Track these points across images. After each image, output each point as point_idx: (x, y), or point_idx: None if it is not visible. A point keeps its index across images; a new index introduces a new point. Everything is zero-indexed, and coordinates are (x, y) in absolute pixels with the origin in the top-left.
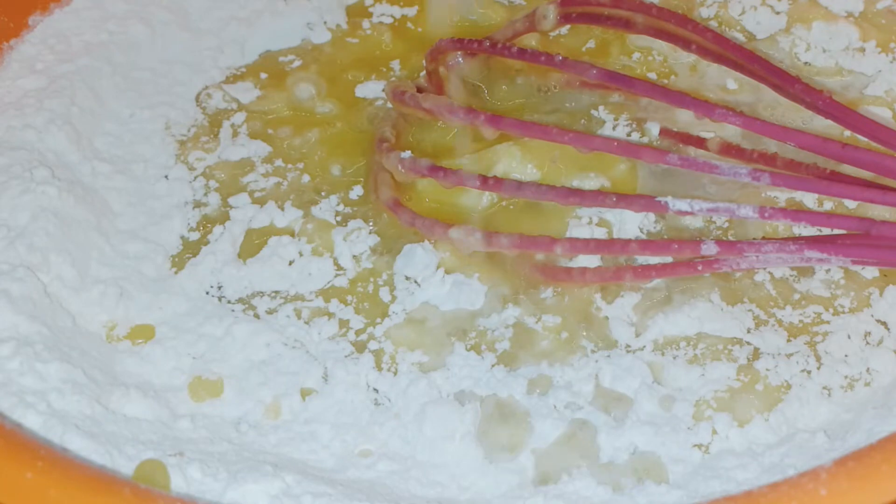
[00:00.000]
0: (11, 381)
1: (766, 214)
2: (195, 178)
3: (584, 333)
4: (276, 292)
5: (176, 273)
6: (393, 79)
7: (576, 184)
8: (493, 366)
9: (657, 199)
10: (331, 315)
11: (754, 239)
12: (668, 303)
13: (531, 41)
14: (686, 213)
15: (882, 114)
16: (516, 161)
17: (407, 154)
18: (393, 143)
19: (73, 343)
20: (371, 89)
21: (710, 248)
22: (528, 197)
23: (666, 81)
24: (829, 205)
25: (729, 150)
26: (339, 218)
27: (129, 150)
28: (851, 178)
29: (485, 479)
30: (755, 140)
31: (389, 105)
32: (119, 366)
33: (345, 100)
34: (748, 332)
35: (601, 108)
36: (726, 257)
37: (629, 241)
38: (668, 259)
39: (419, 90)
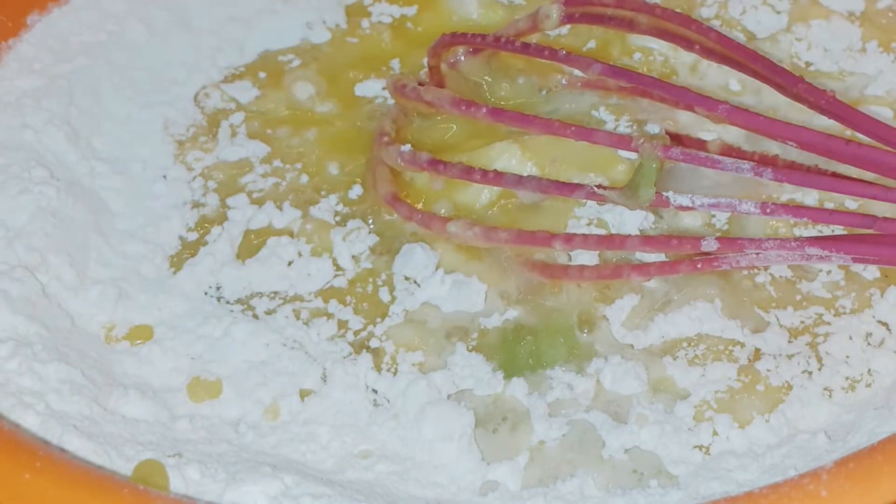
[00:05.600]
0: (10, 382)
1: (768, 210)
2: (193, 178)
3: (585, 334)
4: (275, 293)
5: (174, 273)
6: (394, 73)
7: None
8: (493, 366)
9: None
10: (330, 315)
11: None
12: (669, 303)
13: (531, 41)
14: (687, 207)
15: (883, 113)
16: (516, 159)
17: (407, 147)
18: (393, 136)
19: (71, 343)
20: (370, 88)
21: (710, 244)
22: (529, 190)
23: None
24: (830, 207)
25: (730, 152)
26: (337, 218)
27: (127, 150)
28: (854, 178)
29: (484, 479)
30: (756, 142)
31: (390, 102)
32: (118, 366)
33: (344, 99)
34: (749, 332)
35: (602, 108)
36: (726, 254)
37: (629, 235)
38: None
39: (420, 86)
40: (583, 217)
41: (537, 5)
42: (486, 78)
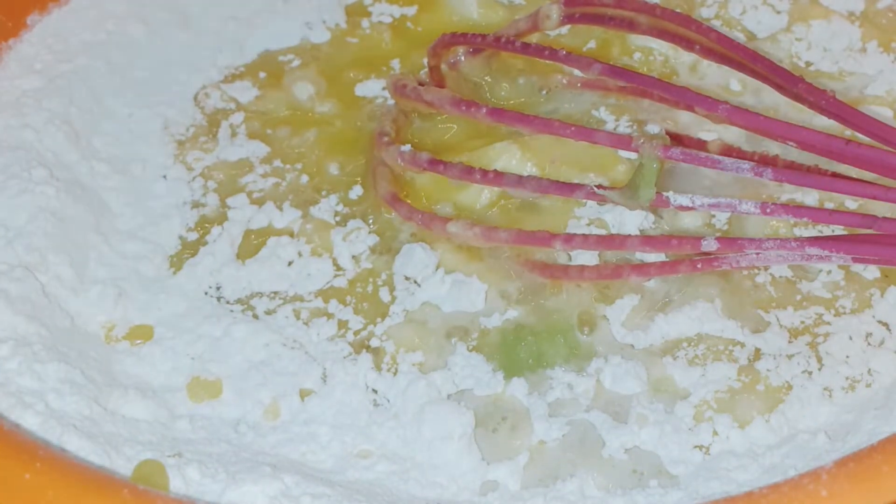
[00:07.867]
0: (10, 382)
1: (768, 210)
2: (193, 178)
3: (585, 334)
4: (275, 293)
5: (174, 273)
6: (394, 73)
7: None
8: (493, 366)
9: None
10: (330, 315)
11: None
12: (669, 304)
13: (531, 41)
14: (687, 207)
15: (883, 113)
16: (515, 160)
17: (407, 147)
18: (393, 136)
19: (71, 343)
20: (371, 88)
21: (710, 244)
22: (529, 190)
23: None
24: (830, 207)
25: (730, 152)
26: (338, 218)
27: (127, 149)
28: (854, 178)
29: (484, 479)
30: (756, 142)
31: (390, 102)
32: (117, 366)
33: (344, 99)
34: (749, 332)
35: (602, 108)
36: (726, 254)
37: (629, 235)
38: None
39: (420, 86)
40: (583, 217)
41: (537, 5)
42: (486, 78)
